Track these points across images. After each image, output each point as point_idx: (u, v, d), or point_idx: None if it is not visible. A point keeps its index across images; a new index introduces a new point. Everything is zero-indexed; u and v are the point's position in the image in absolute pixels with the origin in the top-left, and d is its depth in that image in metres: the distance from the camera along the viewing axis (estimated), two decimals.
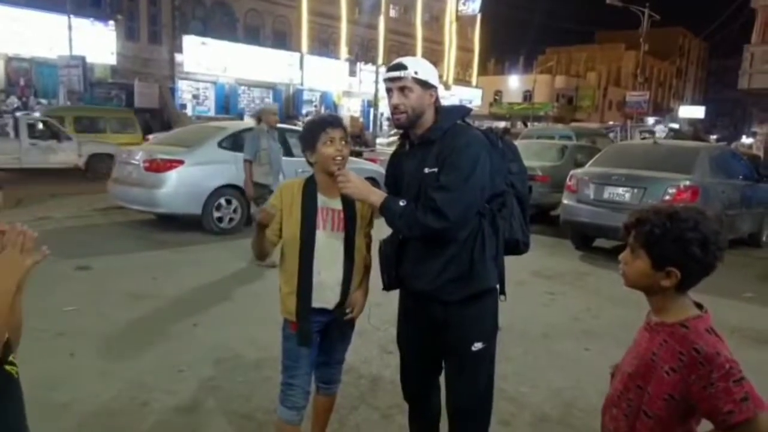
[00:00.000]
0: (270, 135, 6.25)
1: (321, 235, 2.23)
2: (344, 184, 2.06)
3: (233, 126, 8.83)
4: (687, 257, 1.35)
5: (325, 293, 2.26)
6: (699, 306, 1.43)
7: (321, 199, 2.26)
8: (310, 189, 2.27)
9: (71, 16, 19.88)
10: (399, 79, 2.06)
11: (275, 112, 6.51)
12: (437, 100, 2.13)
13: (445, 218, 1.96)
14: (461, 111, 2.22)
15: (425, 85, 2.07)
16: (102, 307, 4.50)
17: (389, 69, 2.13)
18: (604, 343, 4.28)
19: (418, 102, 2.07)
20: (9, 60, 21.51)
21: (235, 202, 7.72)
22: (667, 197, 6.53)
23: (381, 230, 2.36)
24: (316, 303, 2.25)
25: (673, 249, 1.36)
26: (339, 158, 2.18)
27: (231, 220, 7.71)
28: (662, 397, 1.37)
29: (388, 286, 2.31)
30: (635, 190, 6.79)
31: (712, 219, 1.39)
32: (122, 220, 8.24)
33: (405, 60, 2.13)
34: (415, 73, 2.05)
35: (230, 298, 4.94)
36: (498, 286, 2.18)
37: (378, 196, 2.10)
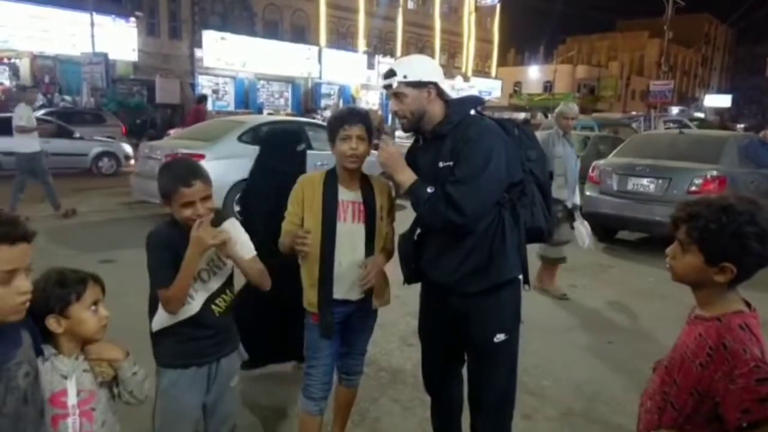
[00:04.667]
0: (566, 141, 5.32)
1: (342, 227, 2.23)
2: (382, 151, 2.10)
3: (253, 120, 8.87)
4: (744, 252, 1.29)
5: (347, 285, 2.25)
6: (747, 304, 1.38)
7: (342, 191, 2.25)
8: (330, 182, 2.26)
9: (93, 13, 20.17)
10: (390, 86, 2.08)
11: (568, 116, 5.30)
12: (441, 93, 2.11)
13: (463, 213, 1.94)
14: (472, 102, 2.19)
15: (418, 85, 2.06)
16: (125, 299, 4.55)
17: (383, 77, 2.14)
18: (627, 336, 4.21)
19: (414, 104, 2.07)
20: (34, 58, 21.93)
21: None
22: (694, 188, 6.39)
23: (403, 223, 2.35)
24: (338, 294, 2.25)
25: (730, 244, 1.29)
26: (353, 157, 2.17)
27: None
28: (688, 391, 1.35)
29: (408, 280, 2.31)
30: (660, 181, 6.64)
31: (767, 210, 1.32)
32: (145, 214, 8.35)
33: (395, 65, 2.14)
34: (404, 77, 2.06)
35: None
36: (521, 276, 2.15)
37: (407, 176, 2.08)
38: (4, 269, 1.25)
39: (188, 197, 1.82)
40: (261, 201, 3.05)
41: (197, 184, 1.83)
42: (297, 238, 2.13)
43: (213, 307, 1.98)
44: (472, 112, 2.12)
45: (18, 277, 1.26)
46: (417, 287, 2.39)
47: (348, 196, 2.25)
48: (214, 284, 1.97)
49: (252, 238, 2.07)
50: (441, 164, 2.03)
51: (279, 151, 3.37)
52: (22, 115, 7.58)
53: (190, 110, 11.05)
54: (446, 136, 2.06)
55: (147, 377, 1.69)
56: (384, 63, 31.38)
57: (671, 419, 1.39)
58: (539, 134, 5.39)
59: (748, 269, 1.32)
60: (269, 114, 19.45)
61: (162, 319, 1.93)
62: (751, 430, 1.22)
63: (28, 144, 7.65)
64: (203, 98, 13.15)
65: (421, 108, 2.08)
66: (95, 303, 1.53)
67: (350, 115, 2.22)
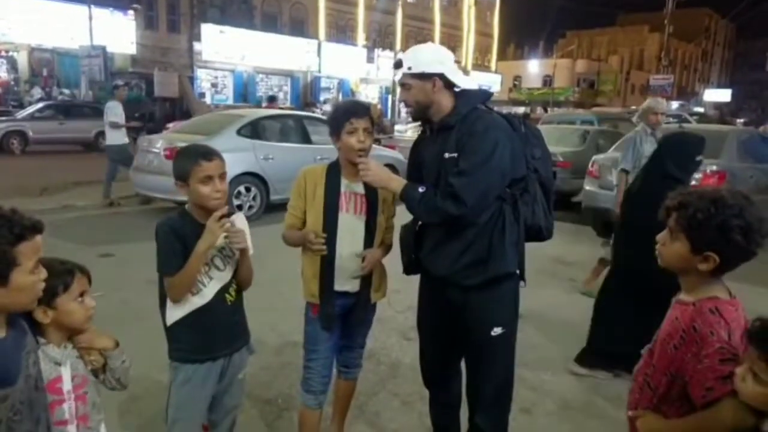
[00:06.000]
0: (653, 139, 4.93)
1: (343, 219, 2.24)
2: (365, 172, 2.08)
3: (252, 114, 8.85)
4: (728, 243, 1.33)
5: (346, 276, 2.26)
6: (730, 294, 1.42)
7: (344, 183, 2.26)
8: (333, 173, 2.28)
9: (91, 6, 20.07)
10: (400, 76, 2.11)
11: (657, 110, 4.99)
12: (449, 84, 2.09)
13: (463, 204, 1.94)
14: (481, 96, 2.18)
15: (423, 76, 2.07)
16: (125, 293, 4.57)
17: (393, 66, 2.19)
18: None
19: (419, 95, 2.09)
20: (32, 51, 21.85)
21: (254, 190, 7.75)
22: (693, 182, 6.36)
23: (404, 215, 2.35)
24: (338, 286, 2.26)
25: (715, 235, 1.34)
26: (361, 149, 2.18)
27: (251, 207, 7.75)
28: (663, 373, 1.41)
29: (407, 270, 2.31)
30: None
31: (757, 205, 1.36)
32: (144, 208, 8.35)
33: (403, 56, 2.15)
34: (409, 68, 2.07)
35: (251, 284, 4.96)
36: (518, 272, 2.15)
37: (398, 183, 2.10)
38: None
39: (208, 170, 1.89)
40: (646, 199, 2.86)
41: (216, 159, 1.93)
42: (311, 243, 2.16)
43: (226, 295, 2.03)
44: (481, 106, 2.12)
45: (40, 265, 1.34)
46: (416, 283, 2.39)
47: (350, 188, 2.26)
48: (228, 273, 2.02)
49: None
50: (446, 155, 2.03)
51: (679, 157, 3.29)
52: (118, 112, 8.58)
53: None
54: (453, 127, 2.06)
55: (131, 365, 1.71)
56: (383, 57, 31.31)
57: (647, 399, 1.46)
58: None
59: (730, 260, 1.37)
60: (281, 108, 19.34)
61: (176, 311, 1.96)
62: (715, 408, 1.28)
63: (117, 137, 8.59)
64: (273, 98, 13.88)
65: (426, 99, 2.08)
66: (82, 294, 1.54)
67: (357, 108, 2.23)
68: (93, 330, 1.60)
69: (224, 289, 2.02)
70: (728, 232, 1.32)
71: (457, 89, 2.11)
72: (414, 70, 2.07)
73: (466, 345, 2.25)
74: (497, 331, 2.11)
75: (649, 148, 4.85)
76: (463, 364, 2.35)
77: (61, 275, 1.49)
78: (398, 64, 2.12)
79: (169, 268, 1.90)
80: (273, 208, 7.43)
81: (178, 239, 1.90)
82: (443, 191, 1.98)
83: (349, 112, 2.19)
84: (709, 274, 1.39)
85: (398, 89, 2.14)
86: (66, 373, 1.53)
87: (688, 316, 1.37)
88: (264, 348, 3.71)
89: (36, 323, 1.48)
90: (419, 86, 2.08)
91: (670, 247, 1.43)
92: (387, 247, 2.37)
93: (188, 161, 1.91)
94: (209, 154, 1.93)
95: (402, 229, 2.31)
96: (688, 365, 1.33)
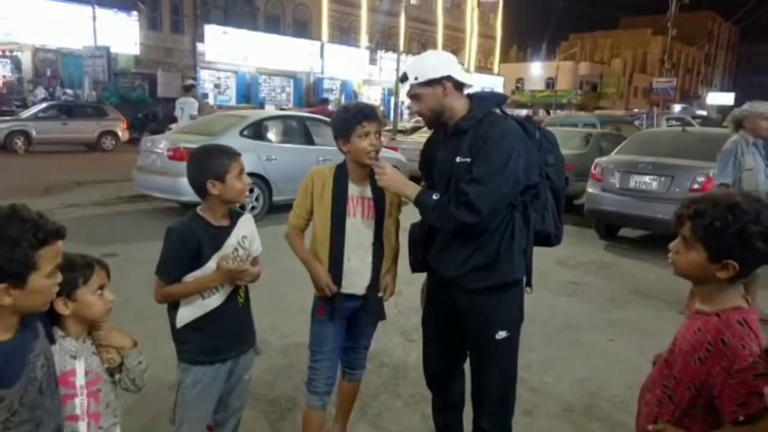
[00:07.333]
0: (756, 150, 4.50)
1: (351, 223, 2.24)
2: (381, 176, 2.08)
3: (255, 115, 8.86)
4: (748, 250, 1.31)
5: (355, 279, 2.27)
6: (746, 301, 1.40)
7: (351, 187, 2.26)
8: (340, 177, 2.27)
9: (95, 6, 20.14)
10: (408, 89, 2.10)
11: (759, 118, 4.48)
12: (458, 86, 2.07)
13: (477, 212, 1.93)
14: (496, 99, 2.18)
15: (431, 83, 2.05)
16: (127, 293, 4.56)
17: (400, 80, 2.19)
18: (628, 333, 4.21)
19: (432, 102, 2.07)
20: (36, 51, 21.92)
21: (257, 191, 7.75)
22: (696, 185, 6.37)
23: (408, 216, 2.35)
24: (346, 289, 2.27)
25: (734, 242, 1.31)
26: (373, 152, 2.18)
27: (253, 208, 7.76)
28: (686, 386, 1.37)
29: (414, 268, 2.31)
30: (662, 179, 6.63)
31: None
32: (147, 208, 8.36)
33: (406, 68, 2.15)
34: (415, 78, 2.06)
35: (253, 285, 4.96)
36: (525, 278, 2.15)
37: (413, 189, 2.09)
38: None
39: (242, 165, 1.98)
40: None
41: (240, 154, 2.02)
42: (328, 288, 2.23)
43: (237, 297, 2.07)
44: (496, 110, 2.10)
45: (57, 270, 1.35)
46: (418, 285, 2.40)
47: (358, 192, 2.27)
48: None
49: None
50: (458, 159, 2.02)
51: None
52: (196, 107, 10.18)
53: (315, 110, 13.08)
54: (467, 131, 2.05)
55: (148, 368, 1.71)
56: (386, 58, 31.34)
57: (669, 412, 1.42)
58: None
59: (750, 266, 1.34)
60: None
61: (186, 313, 1.99)
62: (747, 423, 1.25)
63: None
64: (326, 100, 14.53)
65: (438, 104, 2.07)
66: (101, 287, 1.57)
67: (368, 111, 2.21)
68: (111, 327, 1.62)
69: (235, 291, 2.05)
70: (748, 239, 1.29)
71: (468, 91, 2.10)
72: (421, 79, 2.05)
73: (470, 347, 2.25)
74: (502, 334, 2.11)
75: (750, 160, 4.44)
76: (466, 366, 2.36)
77: (81, 268, 1.53)
78: (404, 78, 2.10)
79: (166, 274, 1.95)
80: (276, 209, 7.44)
81: (186, 248, 1.93)
82: (456, 198, 1.97)
83: (361, 114, 2.17)
84: (726, 282, 1.36)
85: (401, 93, 2.13)
86: (80, 367, 1.54)
87: (713, 327, 1.33)
88: (267, 348, 3.70)
89: (56, 316, 1.50)
90: (430, 93, 2.06)
91: (685, 257, 1.39)
92: (395, 256, 2.39)
93: (225, 158, 1.95)
94: (236, 151, 2.01)
95: (412, 227, 2.30)
96: (716, 379, 1.29)
